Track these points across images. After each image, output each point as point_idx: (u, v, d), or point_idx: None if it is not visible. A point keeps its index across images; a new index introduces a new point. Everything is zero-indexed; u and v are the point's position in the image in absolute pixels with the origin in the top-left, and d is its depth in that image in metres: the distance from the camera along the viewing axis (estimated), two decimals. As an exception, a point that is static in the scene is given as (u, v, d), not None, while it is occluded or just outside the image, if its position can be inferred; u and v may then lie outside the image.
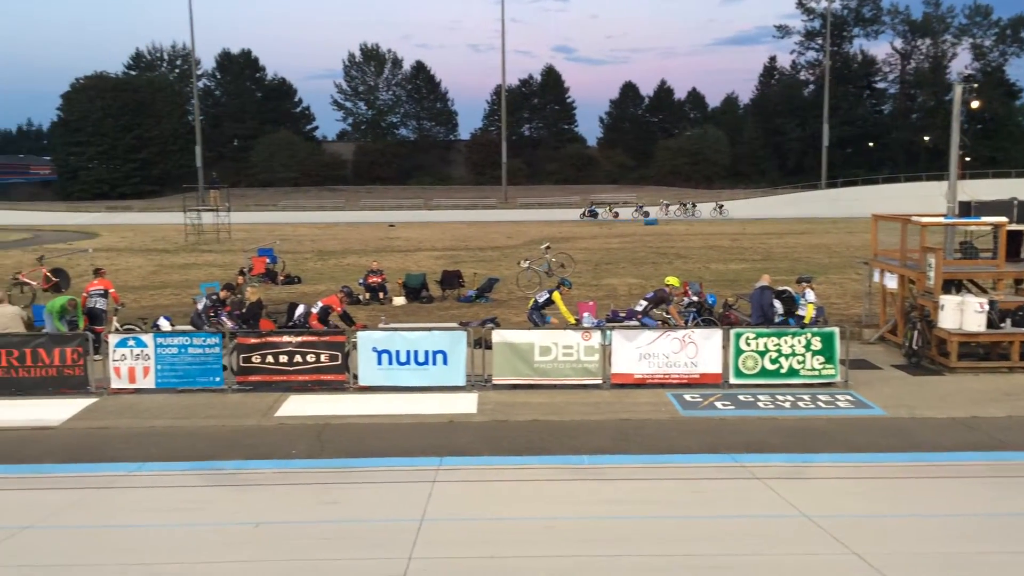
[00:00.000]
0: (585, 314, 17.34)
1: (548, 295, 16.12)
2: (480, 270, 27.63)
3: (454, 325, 16.89)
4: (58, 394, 13.31)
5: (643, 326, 15.22)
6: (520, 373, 13.64)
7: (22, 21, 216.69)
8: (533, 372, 13.65)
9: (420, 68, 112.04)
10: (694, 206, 66.33)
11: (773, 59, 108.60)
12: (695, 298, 18.03)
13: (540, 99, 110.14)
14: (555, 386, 13.55)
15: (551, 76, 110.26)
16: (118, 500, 9.39)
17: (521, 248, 37.66)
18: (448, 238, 46.22)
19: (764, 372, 13.64)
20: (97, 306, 16.56)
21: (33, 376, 13.47)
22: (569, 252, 30.64)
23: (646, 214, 63.62)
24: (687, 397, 13.11)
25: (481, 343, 14.20)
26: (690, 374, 13.64)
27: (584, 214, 65.51)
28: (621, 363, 13.64)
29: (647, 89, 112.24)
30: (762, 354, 13.64)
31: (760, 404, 12.83)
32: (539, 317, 15.91)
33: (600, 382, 13.63)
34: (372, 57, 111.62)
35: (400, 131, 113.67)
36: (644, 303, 16.38)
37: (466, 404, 12.87)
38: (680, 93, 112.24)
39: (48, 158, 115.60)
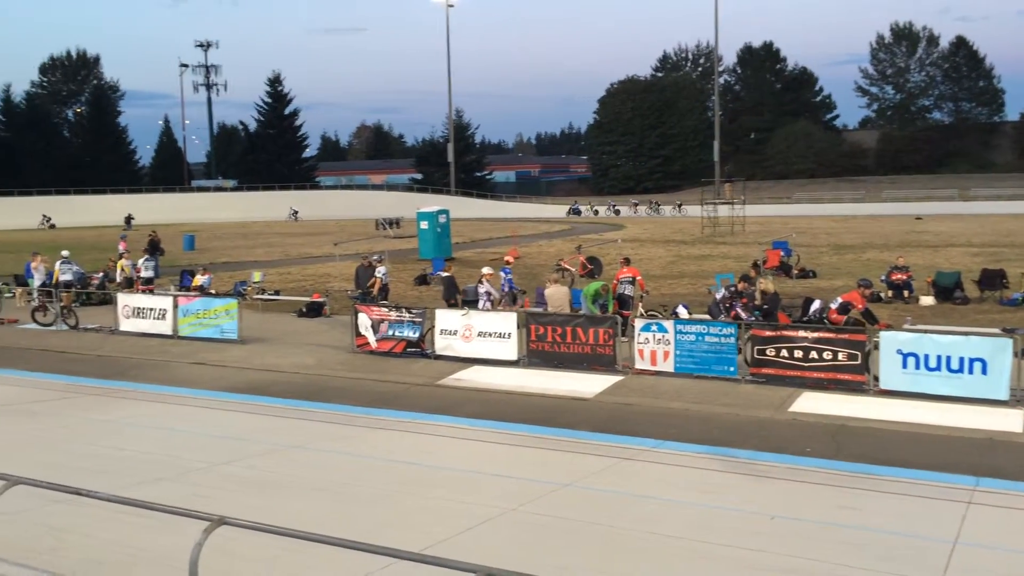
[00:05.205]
0: None
1: None
2: (1029, 270, 23.95)
3: (996, 331, 14.92)
4: (590, 369, 14.76)
5: None
6: (1084, 392, 11.53)
7: (567, 36, 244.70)
8: (1102, 393, 11.43)
9: (960, 44, 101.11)
10: (658, 205, 75.47)
11: None
12: None
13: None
14: None
15: None
16: (640, 472, 10.12)
17: (1085, 245, 31.81)
18: (988, 233, 41.04)
19: None
20: (626, 292, 18.00)
21: (572, 352, 15.14)
22: None
23: (617, 212, 74.26)
24: None
25: (1031, 353, 12.32)
26: None
27: (569, 212, 74.61)
28: None
29: None
30: None
31: None
32: (1112, 328, 13.25)
33: None
34: (904, 36, 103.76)
35: (933, 115, 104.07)
36: None
37: (1009, 421, 11.30)
38: None
39: (585, 157, 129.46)
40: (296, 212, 76.71)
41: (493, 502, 8.80)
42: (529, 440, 11.35)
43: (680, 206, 72.97)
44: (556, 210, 79.88)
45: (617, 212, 75.43)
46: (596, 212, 75.98)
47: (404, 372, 15.46)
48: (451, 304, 18.46)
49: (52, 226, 66.89)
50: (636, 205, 77.01)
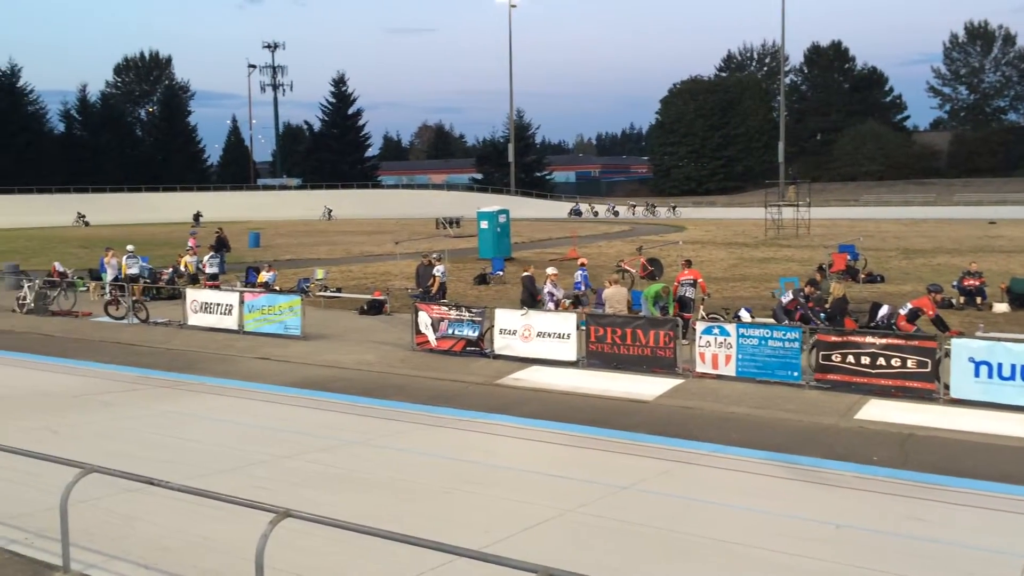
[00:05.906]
0: None
1: None
2: (1111, 277, 22.97)
3: (1075, 340, 14.34)
4: (650, 372, 14.63)
5: None
6: None
7: (629, 36, 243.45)
8: None
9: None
10: (654, 207, 76.77)
11: None
12: None
13: None
14: None
15: None
16: (701, 476, 10.01)
17: None
18: (1066, 238, 39.54)
19: None
20: (687, 294, 17.81)
21: (631, 354, 15.02)
22: None
23: (616, 213, 75.85)
24: None
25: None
26: None
27: (570, 212, 76.40)
28: None
29: None
30: None
31: None
32: None
33: None
34: (978, 35, 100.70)
35: (1008, 116, 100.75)
36: None
37: (1089, 434, 10.86)
38: None
39: (646, 158, 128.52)
40: (331, 211, 77.97)
41: (551, 503, 8.79)
42: (587, 441, 11.30)
43: (674, 208, 75.00)
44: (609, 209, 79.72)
45: (616, 213, 76.46)
46: (596, 213, 76.92)
47: (463, 371, 15.54)
48: (534, 306, 18.01)
49: (86, 223, 68.82)
50: (634, 207, 78.61)
